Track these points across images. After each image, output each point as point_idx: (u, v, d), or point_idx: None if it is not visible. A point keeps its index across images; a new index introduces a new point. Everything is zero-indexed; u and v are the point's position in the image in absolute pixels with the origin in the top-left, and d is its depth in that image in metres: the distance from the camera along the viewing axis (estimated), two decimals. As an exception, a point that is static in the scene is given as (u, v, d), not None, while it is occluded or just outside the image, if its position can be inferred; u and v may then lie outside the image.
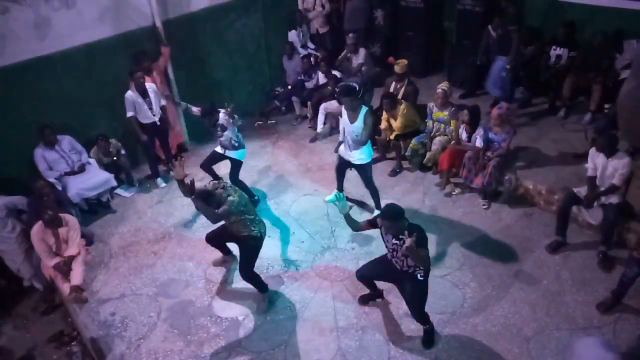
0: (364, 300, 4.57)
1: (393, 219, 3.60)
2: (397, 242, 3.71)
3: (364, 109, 4.98)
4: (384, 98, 6.17)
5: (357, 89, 4.94)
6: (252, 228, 4.37)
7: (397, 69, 6.40)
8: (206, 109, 5.43)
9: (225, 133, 5.46)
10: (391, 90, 6.46)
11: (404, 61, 6.44)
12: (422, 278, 3.86)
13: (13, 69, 5.34)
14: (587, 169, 4.81)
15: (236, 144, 5.57)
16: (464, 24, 7.33)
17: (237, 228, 4.36)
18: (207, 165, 5.80)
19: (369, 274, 4.30)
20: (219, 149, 5.68)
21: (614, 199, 4.69)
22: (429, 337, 4.16)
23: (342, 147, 5.40)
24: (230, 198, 4.16)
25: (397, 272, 3.93)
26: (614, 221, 4.76)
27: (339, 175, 5.70)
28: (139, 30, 6.31)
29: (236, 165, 5.71)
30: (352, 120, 5.02)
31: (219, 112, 5.38)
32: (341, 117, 5.26)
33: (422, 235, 3.58)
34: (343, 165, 5.55)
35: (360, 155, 5.19)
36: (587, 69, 6.13)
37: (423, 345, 4.15)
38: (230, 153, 5.63)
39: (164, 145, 6.54)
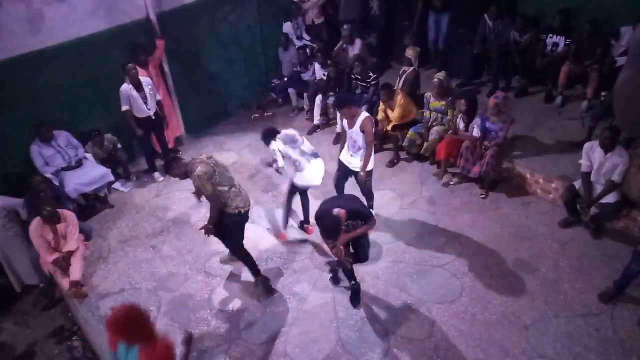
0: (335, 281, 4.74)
1: (332, 235, 3.95)
2: (349, 227, 4.08)
3: (363, 115, 4.71)
4: (382, 89, 6.15)
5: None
6: (228, 204, 4.25)
7: (409, 52, 6.40)
8: (266, 134, 4.94)
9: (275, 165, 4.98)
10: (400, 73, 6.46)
11: (417, 49, 6.47)
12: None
13: (7, 65, 5.29)
14: (582, 165, 4.82)
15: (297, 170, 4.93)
16: (460, 12, 7.29)
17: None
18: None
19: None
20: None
21: (611, 198, 4.70)
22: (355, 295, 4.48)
23: (343, 152, 5.09)
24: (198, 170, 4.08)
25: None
26: (609, 219, 4.80)
27: (339, 190, 5.28)
28: (133, 24, 6.26)
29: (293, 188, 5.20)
30: (351, 125, 4.80)
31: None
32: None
33: (362, 212, 4.05)
34: (342, 177, 5.19)
35: (359, 163, 4.92)
36: (583, 57, 6.12)
37: (351, 303, 4.46)
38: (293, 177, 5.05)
39: (161, 139, 6.51)
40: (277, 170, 4.95)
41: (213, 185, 4.13)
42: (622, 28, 5.97)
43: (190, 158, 4.35)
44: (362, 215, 4.04)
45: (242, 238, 4.56)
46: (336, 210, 3.83)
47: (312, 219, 4.96)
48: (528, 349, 3.97)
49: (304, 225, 5.39)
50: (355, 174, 5.06)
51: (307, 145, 4.94)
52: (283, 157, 4.80)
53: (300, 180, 4.89)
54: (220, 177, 4.20)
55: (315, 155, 4.93)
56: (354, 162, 4.99)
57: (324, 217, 3.92)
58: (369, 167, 4.94)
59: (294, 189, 5.11)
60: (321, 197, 5.54)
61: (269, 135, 4.90)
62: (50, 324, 4.94)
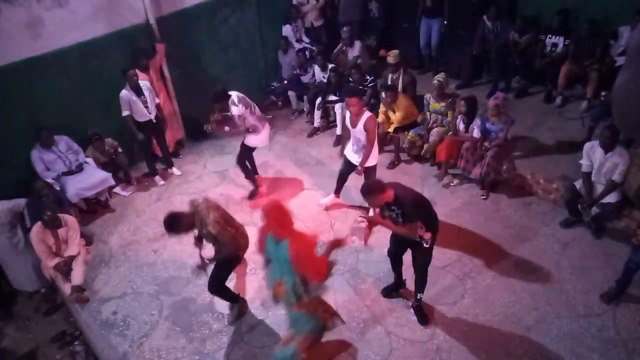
0: (387, 292, 4.58)
1: (366, 195, 3.76)
2: (391, 212, 3.82)
3: (366, 115, 4.94)
4: (386, 91, 6.14)
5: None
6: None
7: (390, 59, 6.41)
8: (216, 94, 5.36)
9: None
10: (389, 82, 6.46)
11: (396, 51, 6.46)
12: (427, 245, 3.93)
13: (7, 70, 5.30)
14: (582, 165, 4.82)
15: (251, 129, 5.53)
16: (459, 14, 7.30)
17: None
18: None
19: (392, 250, 4.33)
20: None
21: (612, 198, 4.69)
22: (421, 313, 4.30)
23: (347, 148, 5.37)
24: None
25: (407, 240, 3.99)
26: (610, 219, 4.80)
27: (340, 179, 5.59)
28: (133, 28, 6.27)
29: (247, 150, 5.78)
30: (354, 124, 5.03)
31: (229, 98, 5.35)
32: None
33: (406, 208, 3.72)
34: (346, 170, 5.45)
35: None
36: (582, 57, 6.13)
37: (420, 323, 4.27)
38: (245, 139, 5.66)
39: (161, 142, 6.51)
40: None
41: (231, 228, 3.95)
42: (621, 27, 5.99)
43: (188, 204, 3.98)
44: (404, 209, 3.71)
45: (227, 279, 4.33)
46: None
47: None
48: (530, 350, 3.97)
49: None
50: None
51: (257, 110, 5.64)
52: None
53: (252, 141, 5.63)
54: (232, 222, 4.03)
55: (266, 119, 5.75)
56: (357, 159, 5.21)
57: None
58: (372, 163, 5.17)
59: (249, 150, 5.79)
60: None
61: (223, 97, 5.36)
62: (52, 329, 4.94)
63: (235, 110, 5.35)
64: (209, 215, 3.81)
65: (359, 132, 5.01)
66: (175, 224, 3.82)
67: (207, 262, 4.12)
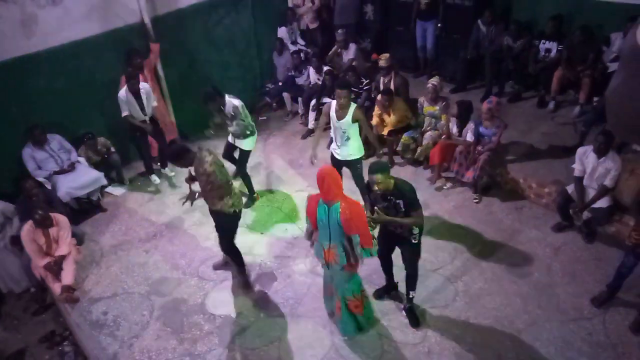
0: (379, 295, 4.56)
1: (377, 172, 3.67)
2: (387, 203, 3.82)
3: (353, 106, 4.92)
4: (382, 94, 6.15)
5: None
6: (225, 200, 4.32)
7: (381, 62, 6.43)
8: (208, 93, 5.21)
9: (235, 122, 5.35)
10: (381, 85, 6.48)
11: (386, 54, 6.48)
12: (415, 242, 3.98)
13: (0, 68, 5.27)
14: (574, 169, 4.84)
15: (248, 132, 5.46)
16: (453, 18, 7.34)
17: (211, 200, 4.38)
18: (227, 156, 5.84)
19: (381, 251, 4.25)
20: (230, 139, 5.70)
21: (603, 203, 4.72)
22: (413, 315, 4.30)
23: (333, 144, 5.32)
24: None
25: (396, 236, 4.02)
26: (601, 223, 4.84)
27: None
28: (127, 28, 6.25)
29: (244, 155, 5.69)
30: (340, 117, 4.97)
31: (224, 96, 5.25)
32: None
33: (410, 196, 3.78)
34: (335, 166, 5.39)
35: (349, 152, 5.10)
36: (575, 63, 6.18)
37: (411, 325, 4.26)
38: (239, 142, 5.58)
39: (161, 142, 6.47)
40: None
41: (222, 175, 4.24)
42: (613, 34, 6.04)
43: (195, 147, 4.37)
44: (405, 199, 3.75)
45: (234, 236, 4.74)
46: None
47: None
48: (521, 353, 3.98)
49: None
50: (346, 163, 5.21)
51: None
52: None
53: (246, 145, 5.52)
54: (225, 171, 4.34)
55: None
56: (343, 152, 5.14)
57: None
58: (357, 156, 5.12)
59: (248, 155, 5.69)
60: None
61: (215, 96, 5.21)
62: (41, 329, 4.90)
63: (237, 102, 5.32)
64: (209, 156, 4.17)
65: (345, 124, 4.95)
66: (181, 154, 4.23)
67: (196, 195, 4.46)
